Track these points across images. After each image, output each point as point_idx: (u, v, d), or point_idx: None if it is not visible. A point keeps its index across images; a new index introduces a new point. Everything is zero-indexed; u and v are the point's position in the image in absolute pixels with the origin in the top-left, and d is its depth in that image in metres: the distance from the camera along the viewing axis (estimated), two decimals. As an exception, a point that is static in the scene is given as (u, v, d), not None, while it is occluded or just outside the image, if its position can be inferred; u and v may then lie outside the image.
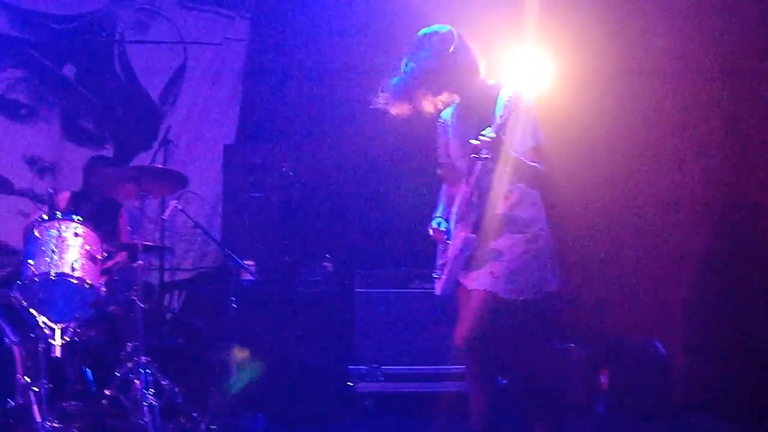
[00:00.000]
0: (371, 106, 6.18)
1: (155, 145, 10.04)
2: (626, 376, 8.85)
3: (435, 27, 6.11)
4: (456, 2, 9.08)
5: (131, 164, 10.08)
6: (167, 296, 9.97)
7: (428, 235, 6.21)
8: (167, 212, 8.28)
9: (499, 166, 5.67)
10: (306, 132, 10.16)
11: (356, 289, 8.93)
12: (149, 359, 7.29)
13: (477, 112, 5.95)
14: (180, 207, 8.28)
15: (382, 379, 8.67)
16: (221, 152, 9.93)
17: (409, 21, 9.32)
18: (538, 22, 8.18)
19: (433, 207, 6.39)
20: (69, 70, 10.56)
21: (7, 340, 7.08)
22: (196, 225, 8.64)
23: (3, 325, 7.19)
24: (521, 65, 6.31)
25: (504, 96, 5.65)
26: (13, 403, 6.81)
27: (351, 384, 8.69)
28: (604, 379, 8.89)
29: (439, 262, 6.17)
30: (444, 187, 6.35)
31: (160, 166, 8.11)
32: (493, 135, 5.54)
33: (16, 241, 9.92)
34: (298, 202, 9.62)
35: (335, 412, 8.61)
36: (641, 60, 9.37)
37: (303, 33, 10.34)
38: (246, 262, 8.37)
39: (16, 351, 7.01)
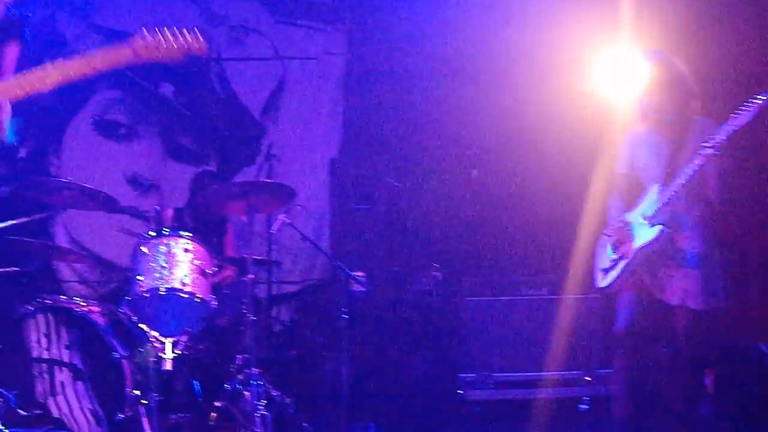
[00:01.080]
0: None
1: (259, 160, 10.15)
2: (731, 379, 8.75)
3: (660, 49, 6.44)
4: (549, 3, 9.06)
5: (235, 179, 10.26)
6: (275, 309, 10.03)
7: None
8: (276, 226, 8.33)
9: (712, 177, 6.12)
10: (410, 142, 10.16)
11: (465, 297, 8.87)
12: (260, 371, 7.34)
13: (675, 132, 6.40)
14: (288, 221, 8.33)
15: (492, 386, 8.64)
16: (326, 165, 10.09)
17: (505, 23, 9.36)
18: (633, 22, 8.13)
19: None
20: (166, 89, 10.74)
21: (116, 354, 7.19)
22: (305, 238, 8.69)
23: (112, 340, 7.29)
24: (616, 68, 6.44)
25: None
26: (122, 416, 6.91)
27: (460, 392, 8.67)
28: (708, 381, 8.80)
29: (611, 257, 6.50)
30: (614, 194, 6.77)
31: (268, 181, 8.16)
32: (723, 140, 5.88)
33: (120, 258, 10.08)
34: (406, 213, 9.67)
35: (445, 420, 8.63)
36: (744, 63, 9.25)
37: (401, 42, 10.34)
38: (356, 273, 8.39)
39: (125, 365, 7.12)
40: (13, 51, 4.98)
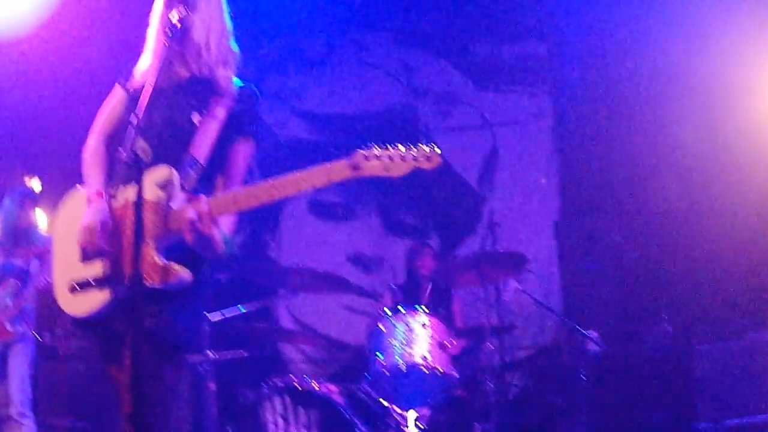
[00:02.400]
0: None
1: (480, 228, 10.08)
2: None
3: None
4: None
5: (458, 250, 10.36)
6: (510, 374, 9.78)
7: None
8: (508, 293, 8.35)
9: None
10: (629, 195, 10.02)
11: (696, 346, 8.65)
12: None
13: None
14: (521, 287, 8.35)
15: (725, 433, 8.45)
16: (549, 228, 10.05)
17: (706, 62, 9.22)
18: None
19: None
20: (380, 168, 10.74)
21: (357, 431, 7.32)
22: (539, 303, 8.70)
23: (353, 417, 7.44)
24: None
25: None
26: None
27: (694, 441, 8.50)
28: None
29: None
30: None
31: (501, 250, 8.18)
32: None
33: (346, 336, 10.22)
34: (633, 268, 9.54)
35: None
36: None
37: (609, 98, 10.21)
38: (590, 333, 8.33)
39: (367, 441, 7.28)
40: (245, 150, 4.88)
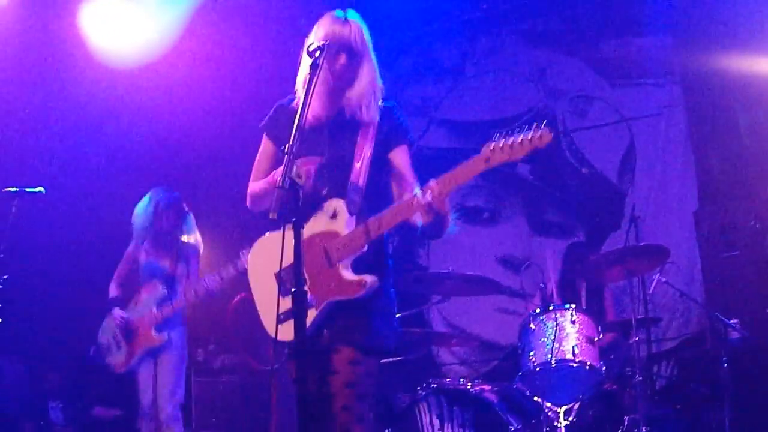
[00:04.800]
0: None
1: (624, 223, 10.05)
2: None
3: None
4: None
5: (604, 245, 10.44)
6: (657, 366, 9.93)
7: None
8: (653, 286, 8.44)
9: None
10: (765, 182, 9.79)
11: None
12: (648, 429, 7.43)
13: None
14: (664, 280, 8.44)
15: None
16: (688, 218, 9.95)
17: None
18: None
19: None
20: (523, 169, 11.06)
21: (511, 428, 7.55)
22: (682, 294, 8.76)
23: (506, 415, 7.68)
24: None
25: None
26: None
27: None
28: None
29: None
30: None
31: (642, 244, 8.27)
32: None
33: (497, 337, 10.43)
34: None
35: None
36: None
37: (738, 83, 10.07)
38: (732, 320, 8.37)
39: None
40: (403, 155, 5.31)
